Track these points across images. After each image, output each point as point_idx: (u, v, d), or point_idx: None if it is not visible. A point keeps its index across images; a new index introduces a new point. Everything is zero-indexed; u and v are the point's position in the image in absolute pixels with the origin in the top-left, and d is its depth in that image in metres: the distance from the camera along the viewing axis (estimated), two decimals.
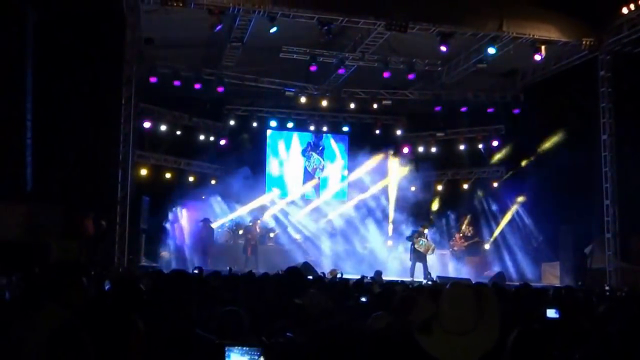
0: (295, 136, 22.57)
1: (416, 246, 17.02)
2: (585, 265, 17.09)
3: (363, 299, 5.93)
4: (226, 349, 2.67)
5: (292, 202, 21.63)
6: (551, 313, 5.04)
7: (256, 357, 2.65)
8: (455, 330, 2.25)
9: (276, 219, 20.94)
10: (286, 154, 22.50)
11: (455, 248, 19.38)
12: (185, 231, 19.17)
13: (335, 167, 22.86)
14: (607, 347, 3.28)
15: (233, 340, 3.13)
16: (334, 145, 22.90)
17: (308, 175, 22.25)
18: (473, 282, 10.75)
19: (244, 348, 2.66)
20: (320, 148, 22.69)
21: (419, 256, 17.02)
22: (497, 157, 21.47)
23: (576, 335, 4.25)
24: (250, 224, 19.66)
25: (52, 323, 2.83)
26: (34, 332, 2.85)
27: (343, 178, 22.81)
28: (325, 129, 22.37)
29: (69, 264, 3.50)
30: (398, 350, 2.70)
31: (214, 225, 19.41)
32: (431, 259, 17.83)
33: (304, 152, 22.51)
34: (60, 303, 3.14)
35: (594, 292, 10.04)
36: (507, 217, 20.09)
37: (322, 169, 22.61)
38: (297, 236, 20.51)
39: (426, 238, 17.51)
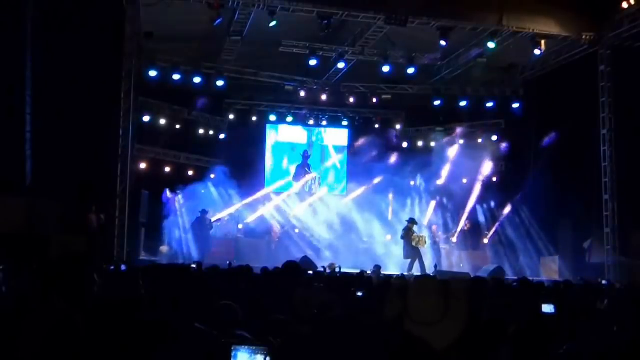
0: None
1: (413, 243, 17.04)
2: (584, 260, 17.11)
3: (359, 294, 5.95)
4: (233, 348, 2.67)
5: (291, 197, 21.64)
6: (547, 308, 5.05)
7: (264, 356, 2.65)
8: (422, 321, 2.40)
9: (276, 212, 20.96)
10: (285, 149, 22.52)
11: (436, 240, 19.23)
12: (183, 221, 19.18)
13: (334, 162, 22.87)
14: (602, 342, 3.30)
15: (227, 333, 3.14)
16: (332, 151, 22.94)
17: (304, 194, 22.22)
18: (472, 276, 10.81)
19: (252, 348, 2.66)
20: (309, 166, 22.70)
21: (415, 252, 17.04)
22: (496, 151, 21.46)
23: (572, 330, 4.26)
24: (272, 225, 20.15)
25: (51, 317, 2.83)
26: (32, 326, 2.85)
27: (342, 172, 22.81)
28: (324, 123, 22.37)
29: (79, 258, 3.47)
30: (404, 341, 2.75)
31: (213, 219, 19.41)
32: (430, 254, 17.88)
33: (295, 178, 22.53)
34: (65, 297, 3.12)
35: (592, 286, 10.05)
36: (506, 211, 20.09)
37: (316, 182, 22.63)
38: (296, 230, 20.54)
39: (415, 232, 17.58)
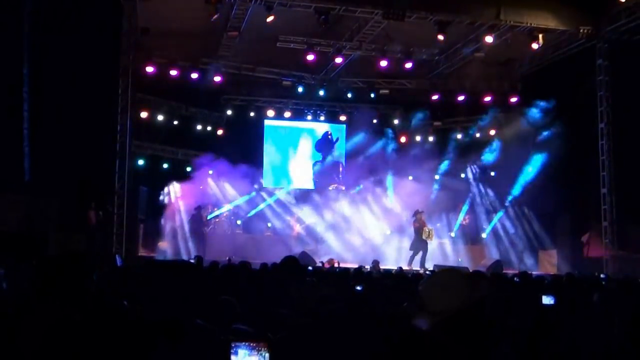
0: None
1: (423, 236, 16.96)
2: (582, 254, 17.14)
3: (358, 288, 5.96)
4: (232, 345, 2.68)
5: (289, 192, 21.63)
6: (546, 299, 5.07)
7: (263, 353, 2.66)
8: (437, 310, 2.44)
9: (273, 209, 20.95)
10: (284, 144, 22.49)
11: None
12: (181, 215, 19.16)
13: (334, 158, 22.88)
14: (599, 335, 3.31)
15: (226, 328, 3.15)
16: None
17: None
18: (470, 271, 10.82)
19: (251, 344, 2.67)
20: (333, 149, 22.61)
21: (422, 245, 16.94)
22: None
23: (571, 323, 4.27)
24: (290, 222, 20.31)
25: (50, 315, 2.83)
26: (31, 324, 2.85)
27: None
28: (322, 118, 22.34)
29: (78, 255, 3.46)
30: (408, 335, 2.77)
31: (210, 215, 19.40)
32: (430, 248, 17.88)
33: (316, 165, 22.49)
34: (64, 294, 3.12)
35: (590, 280, 10.07)
36: (504, 205, 20.11)
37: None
38: (295, 226, 20.53)
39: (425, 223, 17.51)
